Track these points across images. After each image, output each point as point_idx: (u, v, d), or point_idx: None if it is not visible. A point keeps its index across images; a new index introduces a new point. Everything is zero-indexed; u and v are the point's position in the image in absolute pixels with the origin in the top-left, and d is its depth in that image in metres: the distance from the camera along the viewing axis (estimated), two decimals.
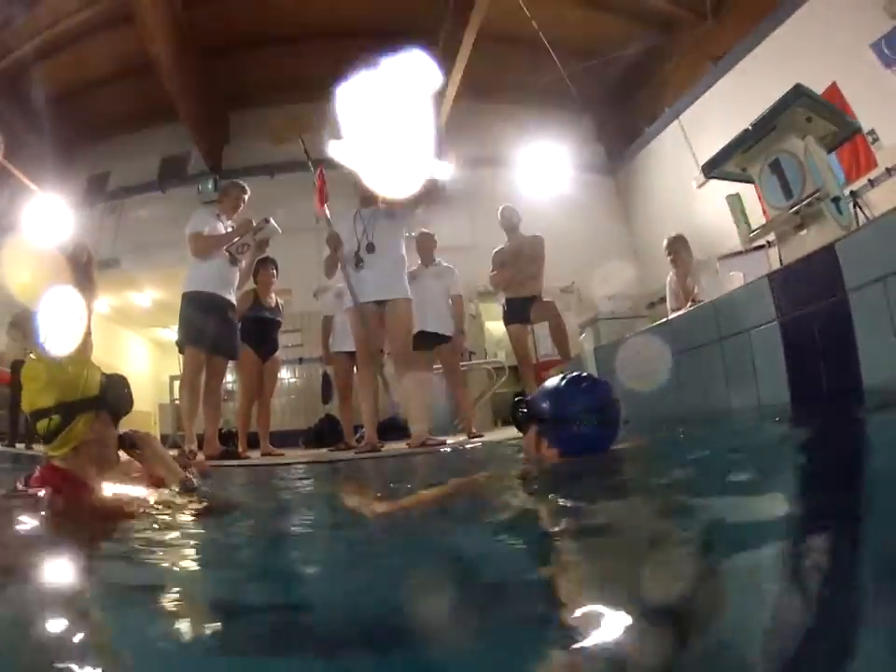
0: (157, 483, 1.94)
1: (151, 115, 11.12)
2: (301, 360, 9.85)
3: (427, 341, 5.88)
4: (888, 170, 7.31)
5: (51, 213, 9.30)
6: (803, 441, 2.06)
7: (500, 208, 6.64)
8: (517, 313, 6.28)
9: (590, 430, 1.80)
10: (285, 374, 9.90)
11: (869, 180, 7.53)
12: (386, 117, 2.32)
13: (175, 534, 1.66)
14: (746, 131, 3.45)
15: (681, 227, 6.63)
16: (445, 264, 6.32)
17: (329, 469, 4.60)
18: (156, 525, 1.68)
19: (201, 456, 4.84)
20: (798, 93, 3.31)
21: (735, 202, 3.65)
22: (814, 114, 3.42)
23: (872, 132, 7.40)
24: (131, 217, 11.09)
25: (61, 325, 3.43)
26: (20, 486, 1.82)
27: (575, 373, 1.95)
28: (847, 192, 7.40)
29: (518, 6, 8.85)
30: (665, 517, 1.39)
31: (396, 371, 5.30)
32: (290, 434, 8.46)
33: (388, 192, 4.63)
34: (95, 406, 1.83)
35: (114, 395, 1.90)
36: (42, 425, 1.75)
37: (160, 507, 1.79)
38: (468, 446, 5.03)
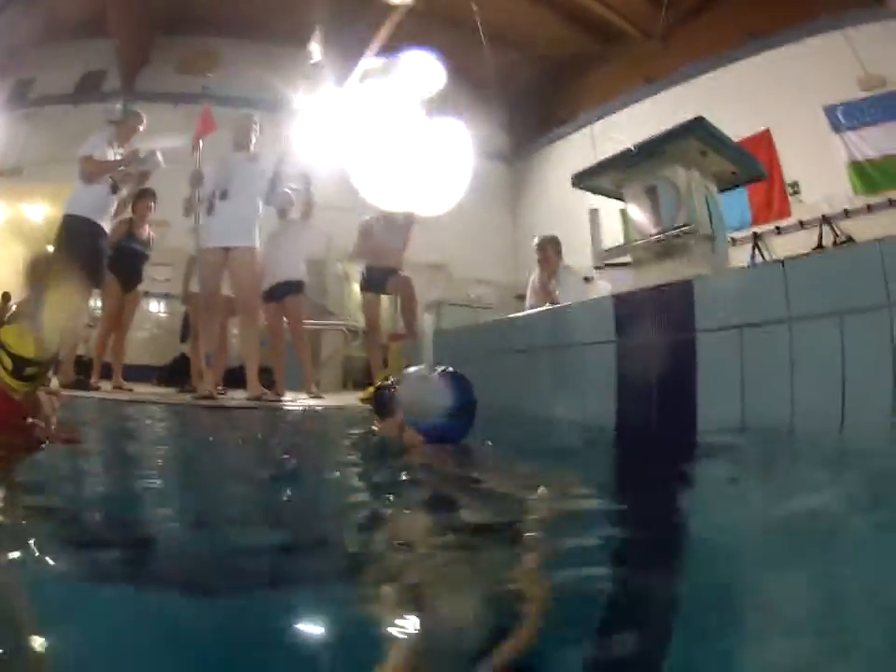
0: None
1: (85, 26, 10.61)
2: (166, 295, 9.48)
3: (278, 293, 5.92)
4: (801, 223, 7.67)
5: None
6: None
7: None
8: (374, 282, 6.23)
9: (454, 423, 2.00)
10: (153, 308, 9.95)
11: (777, 227, 7.89)
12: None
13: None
14: (629, 150, 3.40)
15: (567, 229, 6.46)
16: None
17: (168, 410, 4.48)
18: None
19: (55, 382, 4.69)
20: (697, 125, 3.24)
21: (595, 216, 3.61)
22: (711, 150, 3.35)
23: (795, 184, 7.83)
24: (43, 128, 10.66)
25: None
26: None
27: (442, 369, 2.08)
28: (749, 233, 7.85)
29: None
30: None
31: (239, 321, 5.40)
32: (145, 368, 8.31)
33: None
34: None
35: None
36: (31, 371, 2.12)
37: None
38: (308, 408, 4.88)
